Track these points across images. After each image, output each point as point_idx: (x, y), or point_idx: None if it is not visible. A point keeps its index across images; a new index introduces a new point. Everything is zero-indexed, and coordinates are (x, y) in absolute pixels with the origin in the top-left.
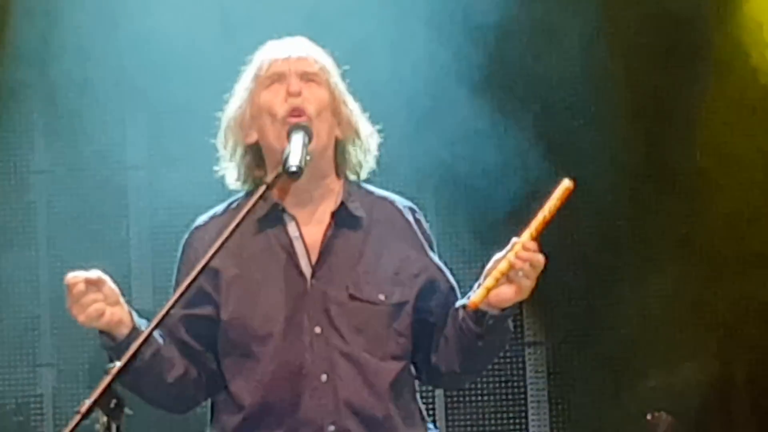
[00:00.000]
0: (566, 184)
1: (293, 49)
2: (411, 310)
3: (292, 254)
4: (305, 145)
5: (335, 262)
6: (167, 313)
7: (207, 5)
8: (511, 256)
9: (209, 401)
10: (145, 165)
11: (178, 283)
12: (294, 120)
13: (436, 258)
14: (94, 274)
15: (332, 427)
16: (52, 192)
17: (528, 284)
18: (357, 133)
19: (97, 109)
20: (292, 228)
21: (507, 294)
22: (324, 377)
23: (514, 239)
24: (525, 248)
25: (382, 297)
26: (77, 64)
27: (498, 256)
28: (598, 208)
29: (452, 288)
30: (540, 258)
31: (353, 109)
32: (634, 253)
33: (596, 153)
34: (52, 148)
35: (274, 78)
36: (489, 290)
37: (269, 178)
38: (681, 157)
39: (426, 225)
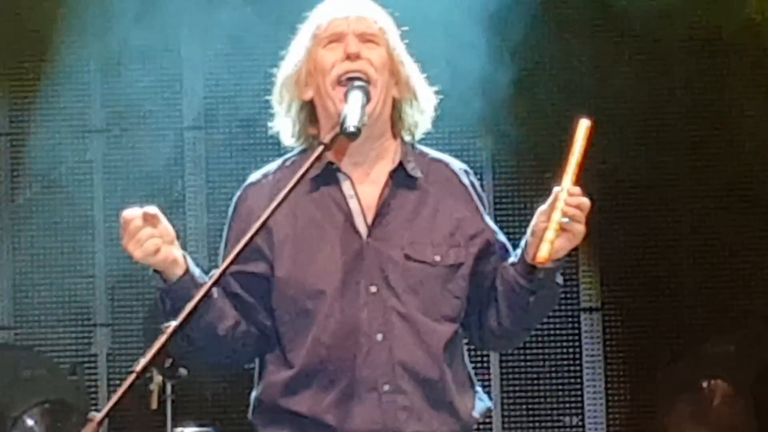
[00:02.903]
0: (586, 123)
1: (353, 8)
2: (467, 273)
3: (347, 213)
4: (363, 106)
5: (391, 221)
6: (224, 272)
7: None
8: (561, 204)
9: (257, 359)
10: (201, 125)
11: (229, 240)
12: (352, 81)
13: (491, 221)
14: (152, 209)
15: (387, 387)
16: (109, 151)
17: (581, 229)
18: (414, 94)
19: (154, 69)
20: (346, 187)
21: (562, 243)
22: (380, 336)
23: (556, 188)
24: (571, 194)
25: (437, 258)
26: (135, 29)
27: (542, 208)
28: (657, 172)
29: (507, 251)
30: (587, 201)
31: (411, 69)
32: (693, 218)
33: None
34: (109, 107)
35: (332, 37)
36: (553, 242)
37: (327, 138)
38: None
39: (480, 188)
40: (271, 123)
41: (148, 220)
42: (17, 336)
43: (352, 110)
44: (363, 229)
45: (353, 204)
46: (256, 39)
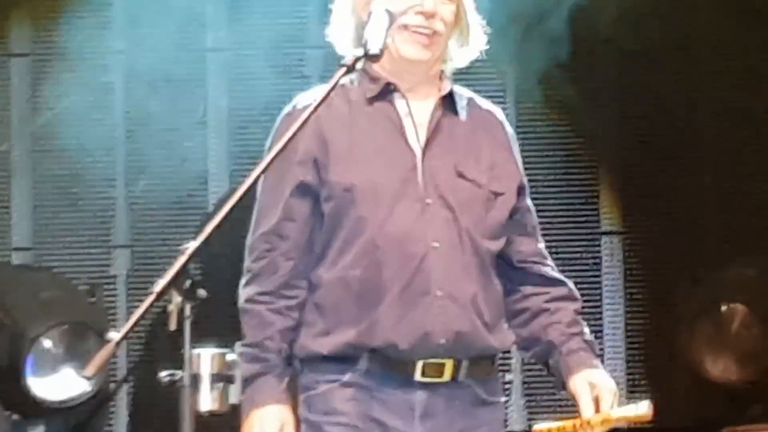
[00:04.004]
0: (647, 414)
1: None
2: (509, 205)
3: (401, 130)
4: (387, 28)
5: (443, 142)
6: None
7: None
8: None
9: None
10: (224, 47)
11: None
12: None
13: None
14: None
15: (440, 292)
16: (130, 73)
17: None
18: (467, 39)
19: None
20: (401, 105)
21: None
22: (435, 244)
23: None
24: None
25: (484, 180)
26: None
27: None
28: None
29: (530, 210)
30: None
31: (473, 18)
32: (716, 144)
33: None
34: (131, 29)
35: None
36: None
37: (348, 60)
38: None
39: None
40: (294, 48)
41: None
42: (36, 257)
43: (375, 32)
44: (416, 147)
45: (407, 122)
46: None
